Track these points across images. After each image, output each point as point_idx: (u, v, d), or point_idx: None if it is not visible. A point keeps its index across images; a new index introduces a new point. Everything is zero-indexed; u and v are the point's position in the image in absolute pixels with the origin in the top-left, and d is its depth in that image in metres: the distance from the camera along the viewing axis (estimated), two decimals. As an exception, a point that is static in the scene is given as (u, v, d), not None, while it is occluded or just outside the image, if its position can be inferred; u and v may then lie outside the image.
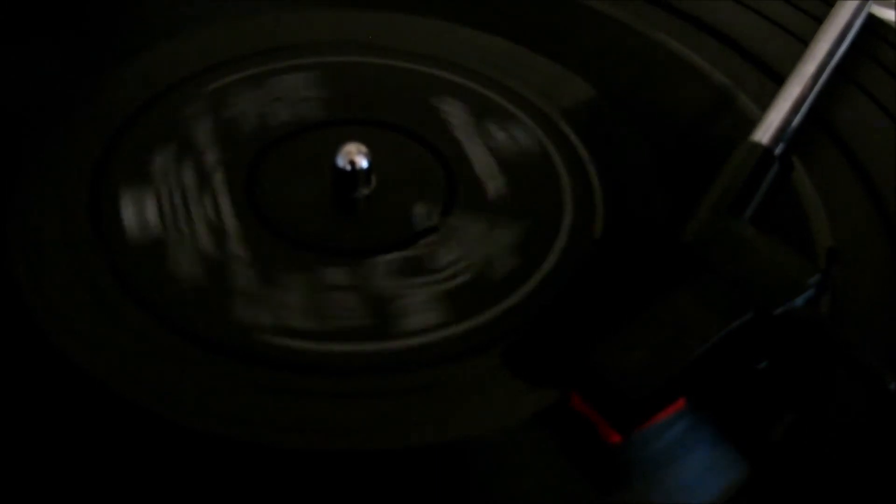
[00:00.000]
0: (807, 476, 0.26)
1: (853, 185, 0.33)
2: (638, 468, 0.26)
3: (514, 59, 0.37)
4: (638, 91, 0.36)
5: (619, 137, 0.35)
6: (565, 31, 0.39)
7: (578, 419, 0.26)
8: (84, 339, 0.27)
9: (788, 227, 0.32)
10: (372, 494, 0.25)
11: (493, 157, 0.33)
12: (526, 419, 0.26)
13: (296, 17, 0.38)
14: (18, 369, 0.27)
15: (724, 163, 0.31)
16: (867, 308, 0.30)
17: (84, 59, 0.36)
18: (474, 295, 0.29)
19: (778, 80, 0.35)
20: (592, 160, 0.33)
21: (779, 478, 0.26)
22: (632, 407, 0.25)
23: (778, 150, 0.32)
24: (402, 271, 0.30)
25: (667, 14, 0.40)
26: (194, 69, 0.36)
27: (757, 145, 0.31)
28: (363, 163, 0.31)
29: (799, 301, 0.27)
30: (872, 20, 0.39)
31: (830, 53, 0.35)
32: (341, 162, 0.31)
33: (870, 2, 0.38)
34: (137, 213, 0.31)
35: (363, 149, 0.31)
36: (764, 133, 0.32)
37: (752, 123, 0.33)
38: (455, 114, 0.35)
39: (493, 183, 0.32)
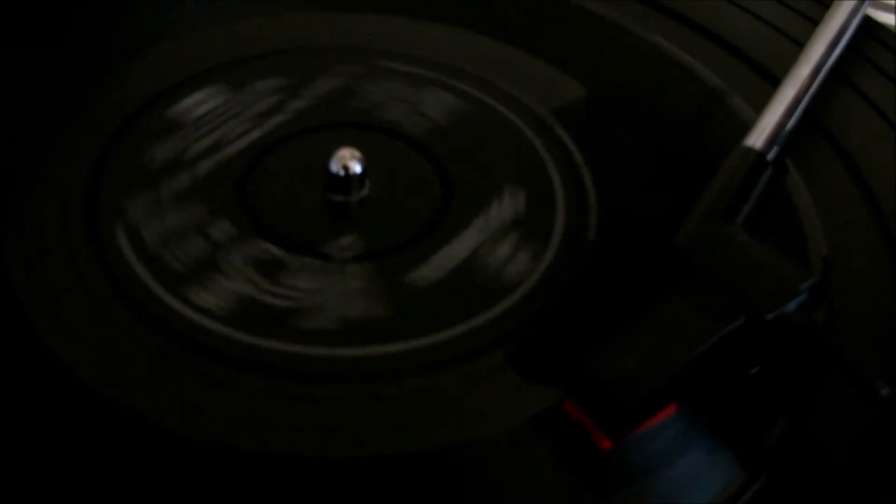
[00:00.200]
0: (800, 480, 0.26)
1: (848, 189, 0.33)
2: (631, 472, 0.26)
3: (508, 61, 0.37)
4: (632, 93, 0.36)
5: (613, 139, 0.35)
6: (559, 32, 0.39)
7: (571, 424, 0.26)
8: (79, 344, 0.27)
9: (783, 231, 0.32)
10: (365, 500, 0.25)
11: (486, 160, 0.33)
12: (519, 424, 0.26)
13: (291, 20, 0.38)
14: (12, 373, 0.27)
15: (717, 166, 0.31)
16: (862, 313, 0.30)
17: (81, 63, 0.36)
18: (467, 299, 0.29)
19: (773, 82, 0.35)
20: (586, 162, 0.33)
21: (772, 482, 0.26)
22: (623, 413, 0.25)
23: (772, 154, 0.32)
24: (395, 276, 0.30)
25: (662, 15, 0.40)
26: (189, 73, 0.36)
27: (750, 150, 0.31)
28: (357, 168, 0.31)
29: (791, 306, 0.26)
30: (868, 22, 0.38)
31: (826, 56, 0.35)
32: (335, 167, 0.31)
33: (866, 4, 0.37)
34: (133, 216, 0.31)
35: (356, 153, 0.31)
36: (757, 137, 0.32)
37: (747, 126, 0.33)
38: (448, 116, 0.35)
39: (487, 186, 0.32)
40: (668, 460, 0.26)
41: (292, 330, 0.28)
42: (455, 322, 0.29)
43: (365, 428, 0.26)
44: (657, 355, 0.25)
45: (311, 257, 0.30)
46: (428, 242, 0.31)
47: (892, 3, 0.44)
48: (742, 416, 0.27)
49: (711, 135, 0.35)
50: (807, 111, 0.34)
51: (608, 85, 0.36)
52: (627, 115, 0.35)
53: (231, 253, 0.30)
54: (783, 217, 0.32)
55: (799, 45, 0.36)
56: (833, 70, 0.36)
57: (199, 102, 0.35)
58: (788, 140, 0.33)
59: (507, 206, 0.32)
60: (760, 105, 0.34)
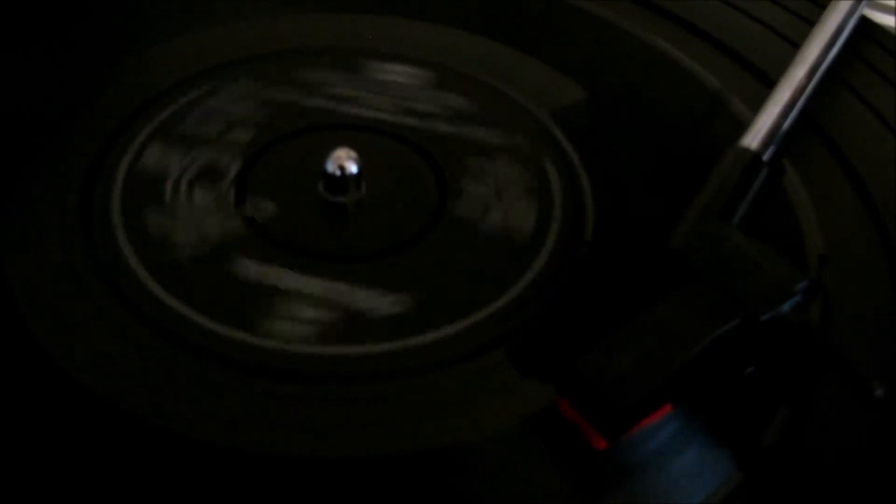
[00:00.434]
0: (796, 480, 0.26)
1: (845, 190, 0.33)
2: (627, 473, 0.26)
3: (505, 62, 0.37)
4: (629, 94, 0.36)
5: (611, 141, 0.35)
6: (557, 33, 0.39)
7: (567, 424, 0.26)
8: (75, 345, 0.27)
9: (779, 232, 0.32)
10: (361, 500, 0.25)
11: (483, 161, 0.33)
12: (514, 424, 0.26)
13: (289, 21, 0.38)
14: (8, 375, 0.27)
15: (714, 167, 0.31)
16: (858, 313, 0.30)
17: (79, 64, 0.36)
18: (463, 300, 0.29)
19: (771, 84, 0.35)
20: (583, 164, 0.33)
21: (768, 482, 0.26)
22: (618, 413, 0.25)
23: (767, 155, 0.32)
24: (391, 276, 0.30)
25: (659, 17, 0.40)
26: (187, 74, 0.36)
27: (746, 150, 0.31)
28: (352, 168, 0.31)
29: (786, 307, 0.26)
30: (865, 23, 0.38)
31: (822, 56, 0.35)
32: (331, 167, 0.31)
33: (862, 4, 0.37)
34: (129, 217, 0.31)
35: (352, 154, 0.31)
36: (753, 138, 0.32)
37: (744, 127, 0.33)
38: (445, 117, 0.35)
39: (484, 187, 0.32)
40: (664, 461, 0.26)
41: (289, 330, 0.28)
42: (451, 322, 0.29)
43: (360, 428, 0.26)
44: (652, 356, 0.25)
45: (308, 258, 0.30)
46: (424, 243, 0.31)
47: (892, 3, 0.44)
48: (737, 416, 0.27)
49: (709, 136, 0.35)
50: (803, 112, 0.34)
51: (605, 86, 0.36)
52: (625, 116, 0.35)
53: (227, 253, 0.30)
54: (780, 217, 0.32)
55: (797, 47, 0.36)
56: (829, 70, 0.36)
57: (196, 103, 0.35)
58: (785, 141, 0.33)
59: (503, 207, 0.32)
60: (758, 107, 0.34)
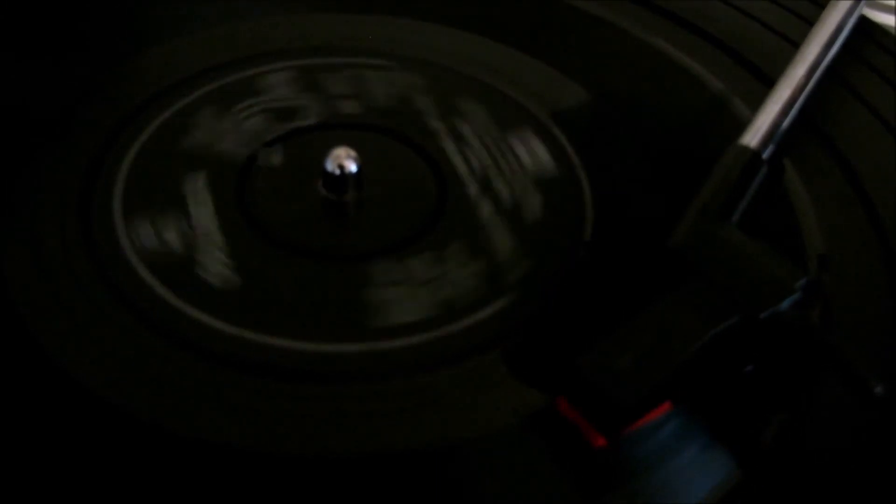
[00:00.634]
0: (795, 478, 0.26)
1: (844, 189, 0.33)
2: (626, 471, 0.26)
3: (507, 63, 0.37)
4: (630, 94, 0.36)
5: (611, 141, 0.35)
6: (558, 34, 0.39)
7: (566, 422, 0.26)
8: (75, 346, 0.27)
9: (779, 231, 0.32)
10: (359, 499, 0.25)
11: (483, 161, 0.33)
12: (513, 423, 0.26)
13: (288, 20, 0.38)
14: (9, 375, 0.27)
15: (714, 166, 0.31)
16: (857, 312, 0.30)
17: (77, 64, 0.36)
18: (463, 299, 0.29)
19: (771, 83, 0.35)
20: (583, 164, 0.33)
21: (767, 480, 0.26)
22: (617, 411, 0.25)
23: (767, 154, 0.32)
24: (390, 275, 0.30)
25: (660, 18, 0.40)
26: (187, 74, 0.36)
27: (745, 149, 0.31)
28: (352, 167, 0.31)
29: (785, 305, 0.26)
30: (864, 22, 0.38)
31: (821, 56, 0.35)
32: (330, 166, 0.31)
33: (861, 4, 0.37)
34: (129, 217, 0.31)
35: (352, 153, 0.31)
36: (753, 136, 0.32)
37: (744, 127, 0.33)
38: (445, 117, 0.35)
39: (484, 187, 0.32)
40: (663, 459, 0.26)
41: (288, 329, 0.28)
42: (450, 321, 0.29)
43: (359, 427, 0.26)
44: (651, 354, 0.26)
45: (307, 256, 0.30)
46: (423, 242, 0.31)
47: (892, 3, 0.44)
48: (736, 414, 0.27)
49: (709, 136, 0.35)
50: (803, 111, 0.34)
51: (606, 87, 0.36)
52: (625, 117, 0.35)
53: (228, 252, 0.30)
54: (780, 216, 0.32)
55: (798, 47, 0.36)
56: (829, 70, 0.36)
57: (195, 103, 0.35)
58: (785, 140, 0.33)
59: (502, 206, 0.32)
60: (758, 107, 0.34)
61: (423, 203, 0.32)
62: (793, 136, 0.34)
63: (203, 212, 0.31)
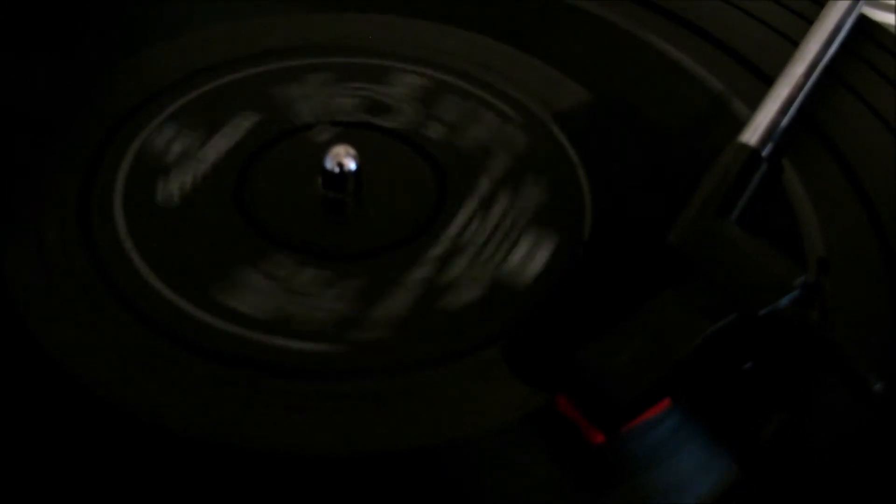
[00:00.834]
0: (794, 476, 0.26)
1: (844, 188, 0.33)
2: (625, 469, 0.26)
3: (507, 62, 0.37)
4: (630, 94, 0.36)
5: (610, 140, 0.35)
6: (558, 33, 0.39)
7: (564, 419, 0.26)
8: (74, 344, 0.27)
9: (778, 229, 0.32)
10: (358, 498, 0.25)
11: (482, 160, 0.33)
12: (512, 420, 0.26)
13: (287, 20, 0.38)
14: (8, 374, 0.27)
15: (713, 164, 0.31)
16: (855, 310, 0.30)
17: (76, 64, 0.36)
18: (461, 297, 0.29)
19: (771, 83, 0.35)
20: (582, 163, 0.33)
21: (766, 478, 0.26)
22: (615, 408, 0.25)
23: (766, 152, 0.32)
24: (389, 273, 0.30)
25: (659, 16, 0.40)
26: (186, 73, 0.36)
27: (744, 146, 0.31)
28: (351, 165, 0.31)
29: (784, 302, 0.26)
30: (864, 21, 0.38)
31: (820, 54, 0.35)
32: (329, 164, 0.31)
33: (860, 2, 0.37)
34: (128, 215, 0.31)
35: (351, 151, 0.31)
36: (752, 134, 0.32)
37: (744, 126, 0.33)
38: (445, 115, 0.35)
39: (483, 185, 0.32)
40: (662, 456, 0.26)
41: (287, 327, 0.28)
42: (449, 319, 0.29)
43: (357, 425, 0.26)
44: (649, 351, 0.26)
45: (307, 254, 0.30)
46: (423, 240, 0.31)
47: (892, 2, 0.44)
48: (735, 412, 0.27)
49: (709, 136, 0.35)
50: (802, 110, 0.34)
51: (606, 86, 0.36)
52: (625, 116, 0.35)
53: (227, 251, 0.30)
54: (779, 215, 0.32)
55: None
56: (828, 68, 0.36)
57: (195, 102, 0.35)
58: (783, 138, 0.33)
59: (502, 205, 0.32)
60: (758, 106, 0.34)
61: (422, 201, 0.32)
62: (792, 135, 0.34)
63: (202, 211, 0.31)
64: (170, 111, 0.34)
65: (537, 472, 0.26)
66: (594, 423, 0.25)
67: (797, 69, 0.34)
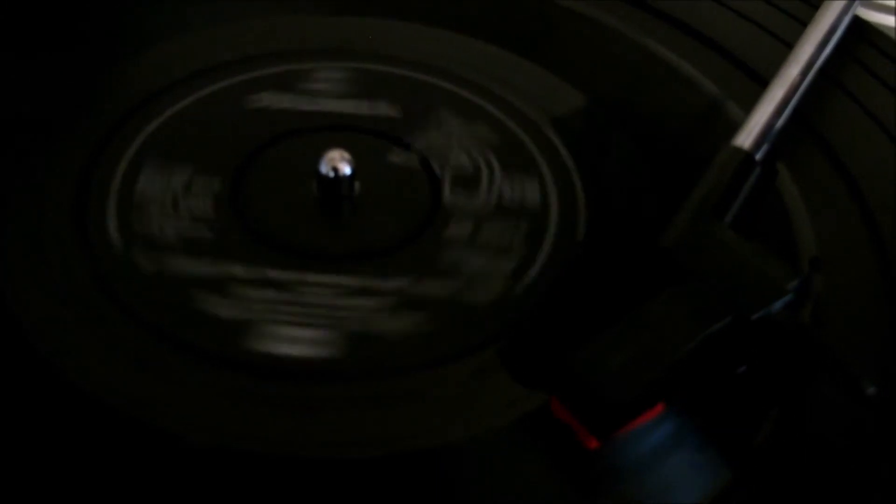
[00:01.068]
0: (788, 479, 0.26)
1: (837, 190, 0.33)
2: (620, 472, 0.26)
3: (501, 65, 0.37)
4: (626, 97, 0.36)
5: (605, 143, 0.35)
6: (554, 37, 0.39)
7: (559, 424, 0.26)
8: (69, 346, 0.28)
9: (772, 232, 0.32)
10: (355, 501, 0.25)
11: (477, 164, 0.33)
12: (507, 424, 0.26)
13: (285, 22, 0.38)
14: (6, 376, 0.27)
15: (707, 167, 0.31)
16: (849, 312, 0.30)
17: (76, 65, 0.36)
18: (457, 300, 0.29)
19: (766, 84, 0.35)
20: (577, 166, 0.34)
21: (760, 481, 0.26)
22: (610, 412, 0.25)
23: (760, 155, 0.32)
24: (384, 277, 0.30)
25: (655, 20, 0.40)
26: (183, 75, 0.36)
27: (738, 150, 0.31)
28: (346, 169, 0.31)
29: (778, 306, 0.27)
30: (858, 23, 0.39)
31: (815, 56, 0.35)
32: (324, 169, 0.31)
33: (855, 4, 0.37)
34: (123, 217, 0.31)
35: (346, 155, 0.31)
36: (746, 137, 0.32)
37: (738, 128, 0.33)
38: (440, 119, 0.35)
39: (478, 189, 0.33)
40: (656, 460, 0.26)
41: (283, 331, 0.28)
42: (444, 323, 0.29)
43: (352, 428, 0.26)
44: (643, 355, 0.26)
45: (301, 258, 0.30)
46: (418, 244, 0.31)
47: (891, 3, 0.44)
48: (729, 415, 0.27)
49: (704, 138, 0.35)
50: (796, 112, 0.34)
51: (602, 90, 0.36)
52: (621, 119, 0.35)
53: (222, 255, 0.30)
54: (773, 217, 0.32)
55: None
56: (822, 71, 0.36)
57: (192, 105, 0.35)
58: (778, 141, 0.33)
59: (497, 208, 0.32)
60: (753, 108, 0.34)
61: (417, 205, 0.32)
62: (786, 137, 0.34)
63: (198, 213, 0.31)
64: (168, 113, 0.34)
65: (532, 474, 0.26)
66: (588, 426, 0.25)
67: (792, 71, 0.34)
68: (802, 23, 0.37)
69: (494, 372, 0.27)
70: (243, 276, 0.29)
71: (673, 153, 0.34)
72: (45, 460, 0.25)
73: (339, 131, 0.34)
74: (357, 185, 0.32)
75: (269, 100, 0.35)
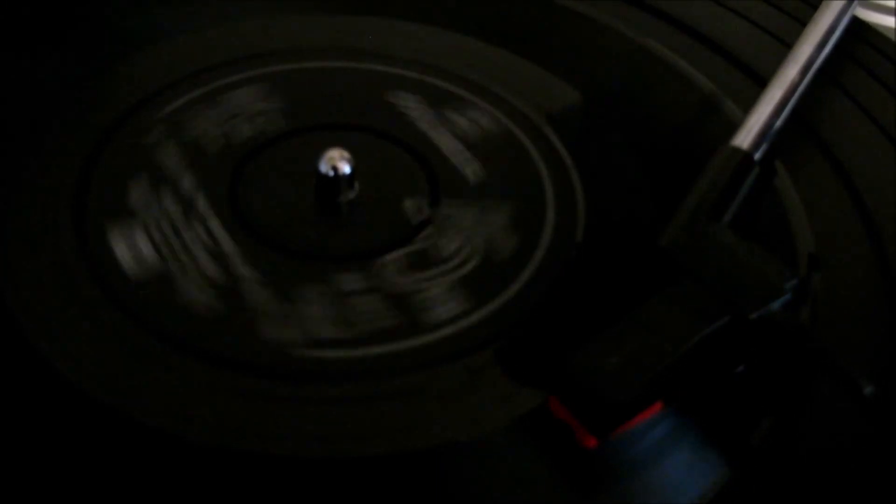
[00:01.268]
0: (786, 479, 0.26)
1: (835, 190, 0.33)
2: (618, 472, 0.26)
3: (499, 64, 0.37)
4: (622, 96, 0.36)
5: (603, 142, 0.35)
6: (550, 34, 0.39)
7: (557, 423, 0.26)
8: (67, 345, 0.28)
9: (770, 232, 0.32)
10: (354, 500, 0.25)
11: (476, 162, 0.33)
12: (506, 424, 0.26)
13: (284, 22, 0.38)
14: (8, 384, 0.27)
15: (705, 166, 0.31)
16: (847, 312, 0.30)
17: (72, 65, 0.36)
18: (455, 300, 0.29)
19: (764, 84, 0.35)
20: (575, 165, 0.34)
21: (758, 480, 0.26)
22: (607, 411, 0.25)
23: (759, 155, 0.32)
24: (384, 276, 0.30)
25: (652, 18, 0.40)
26: (182, 74, 0.36)
27: (737, 150, 0.31)
28: (346, 168, 0.31)
29: (776, 306, 0.27)
30: (857, 23, 0.39)
31: (813, 56, 0.35)
32: (324, 168, 0.31)
33: (854, 4, 0.38)
34: (122, 217, 0.31)
35: (345, 154, 0.31)
36: (744, 137, 0.32)
37: (736, 128, 0.33)
38: (438, 118, 0.35)
39: (476, 188, 0.33)
40: (654, 459, 0.26)
41: (283, 330, 0.28)
42: (443, 322, 0.29)
43: (352, 428, 0.26)
44: (641, 354, 0.26)
45: (301, 258, 0.30)
46: (417, 243, 0.31)
47: (891, 3, 0.44)
48: (727, 415, 0.27)
49: (701, 137, 0.35)
50: (795, 112, 0.34)
51: (599, 88, 0.36)
52: (618, 118, 0.35)
53: (221, 254, 0.30)
54: (771, 217, 0.32)
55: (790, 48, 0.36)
56: (821, 70, 0.36)
57: (190, 104, 0.35)
58: (776, 140, 0.33)
59: (496, 207, 0.32)
60: (750, 108, 0.34)
61: (415, 203, 0.32)
62: (785, 137, 0.34)
63: (197, 213, 0.31)
64: (167, 112, 0.34)
65: (531, 473, 0.26)
66: (586, 425, 0.25)
67: (790, 71, 0.34)
68: (801, 23, 0.38)
69: (493, 372, 0.28)
70: (243, 276, 0.29)
71: (671, 153, 0.34)
72: (45, 460, 0.25)
73: (337, 130, 0.34)
74: (356, 184, 0.32)
75: (270, 98, 0.35)
